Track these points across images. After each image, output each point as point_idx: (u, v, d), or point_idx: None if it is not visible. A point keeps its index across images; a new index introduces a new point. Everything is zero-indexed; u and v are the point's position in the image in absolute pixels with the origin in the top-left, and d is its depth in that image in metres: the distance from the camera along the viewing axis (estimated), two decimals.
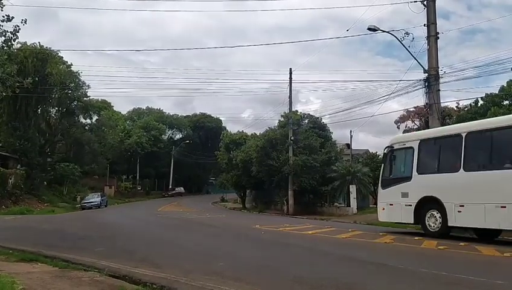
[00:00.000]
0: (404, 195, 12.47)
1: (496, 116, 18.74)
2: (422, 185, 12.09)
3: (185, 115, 77.53)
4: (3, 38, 10.03)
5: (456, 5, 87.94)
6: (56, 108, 43.10)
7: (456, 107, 30.00)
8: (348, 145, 42.19)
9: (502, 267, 7.98)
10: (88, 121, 48.01)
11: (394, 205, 12.83)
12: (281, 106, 37.35)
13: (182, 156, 69.03)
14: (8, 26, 9.89)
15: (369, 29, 18.76)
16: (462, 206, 10.99)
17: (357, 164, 32.01)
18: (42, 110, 40.96)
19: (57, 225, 16.15)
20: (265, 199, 37.21)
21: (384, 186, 13.50)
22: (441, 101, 20.02)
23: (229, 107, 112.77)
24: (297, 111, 35.46)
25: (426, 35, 18.57)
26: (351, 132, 43.07)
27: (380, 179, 13.82)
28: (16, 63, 18.18)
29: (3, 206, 29.56)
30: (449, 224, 11.33)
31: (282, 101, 43.38)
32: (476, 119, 21.01)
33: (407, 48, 18.41)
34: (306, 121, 35.72)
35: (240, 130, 44.99)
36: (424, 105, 20.00)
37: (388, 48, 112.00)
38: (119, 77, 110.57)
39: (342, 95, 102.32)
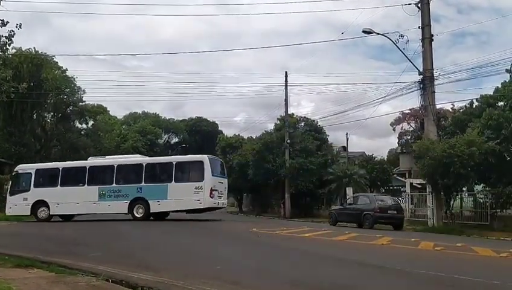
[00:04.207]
0: (25, 199, 20.71)
1: (491, 117, 18.89)
2: (36, 193, 20.71)
3: (179, 119, 77.20)
4: None
5: (446, 8, 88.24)
6: (51, 113, 42.78)
7: (452, 108, 30.03)
8: (344, 148, 42.15)
9: (498, 268, 8.02)
10: (84, 126, 47.73)
11: (18, 205, 20.83)
12: (276, 109, 37.30)
13: None
14: (3, 31, 9.83)
15: (364, 31, 18.88)
16: (59, 204, 20.11)
17: (354, 166, 32.03)
18: (37, 116, 40.64)
19: (53, 230, 16.06)
20: (262, 202, 37.13)
21: (11, 194, 21.42)
22: (436, 103, 20.17)
23: (222, 111, 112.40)
24: (293, 114, 35.53)
25: (419, 38, 18.71)
26: (347, 134, 43.02)
27: (9, 190, 21.90)
28: (11, 68, 18.06)
29: None
30: (51, 213, 20.36)
31: (275, 104, 43.43)
32: (472, 120, 21.12)
33: (402, 50, 18.54)
34: (302, 124, 35.76)
35: (235, 134, 44.94)
36: (420, 107, 20.11)
37: (381, 51, 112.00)
38: (114, 82, 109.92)
39: (336, 98, 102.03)
